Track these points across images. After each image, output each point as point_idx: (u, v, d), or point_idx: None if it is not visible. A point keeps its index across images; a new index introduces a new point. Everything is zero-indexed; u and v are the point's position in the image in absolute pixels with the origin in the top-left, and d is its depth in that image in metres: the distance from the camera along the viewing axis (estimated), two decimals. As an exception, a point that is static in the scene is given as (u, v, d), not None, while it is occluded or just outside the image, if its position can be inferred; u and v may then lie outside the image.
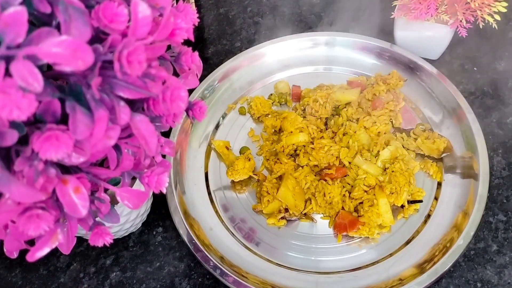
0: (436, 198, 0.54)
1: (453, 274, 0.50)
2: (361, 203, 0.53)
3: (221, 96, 0.65)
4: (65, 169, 0.28)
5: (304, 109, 0.61)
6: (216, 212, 0.55)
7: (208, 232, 0.53)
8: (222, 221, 0.54)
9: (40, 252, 0.29)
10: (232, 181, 0.58)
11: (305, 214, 0.54)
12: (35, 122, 0.24)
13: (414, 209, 0.53)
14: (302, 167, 0.56)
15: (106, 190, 0.32)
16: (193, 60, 0.34)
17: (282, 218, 0.54)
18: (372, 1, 0.76)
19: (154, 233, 0.54)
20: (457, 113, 0.58)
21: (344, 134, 0.57)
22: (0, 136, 0.22)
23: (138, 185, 0.44)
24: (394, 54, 0.65)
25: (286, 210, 0.54)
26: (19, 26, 0.21)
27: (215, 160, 0.60)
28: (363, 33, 0.67)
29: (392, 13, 0.62)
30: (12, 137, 0.23)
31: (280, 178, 0.56)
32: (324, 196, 0.53)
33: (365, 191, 0.53)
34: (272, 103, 0.64)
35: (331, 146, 0.56)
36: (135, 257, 0.53)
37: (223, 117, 0.64)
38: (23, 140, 0.24)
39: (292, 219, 0.54)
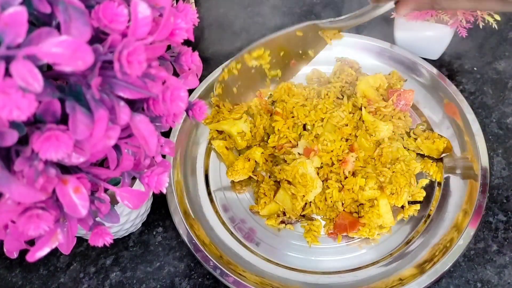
0: (436, 198, 0.54)
1: (453, 274, 0.50)
2: (362, 204, 0.53)
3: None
4: (65, 169, 0.28)
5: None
6: (216, 212, 0.55)
7: (208, 232, 0.53)
8: (222, 221, 0.54)
9: (40, 252, 0.29)
10: (232, 181, 0.58)
11: (303, 215, 0.54)
12: (35, 122, 0.24)
13: (414, 209, 0.53)
14: None
15: (106, 190, 0.32)
16: (193, 60, 0.35)
17: (282, 222, 0.54)
18: (372, 1, 0.76)
19: (154, 233, 0.54)
20: (457, 113, 0.58)
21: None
22: (0, 136, 0.22)
23: (138, 185, 0.44)
24: (394, 54, 0.65)
25: (284, 213, 0.54)
26: (19, 26, 0.21)
27: (215, 160, 0.60)
28: (363, 33, 0.67)
29: (392, 13, 0.62)
30: (12, 137, 0.23)
31: (278, 181, 0.56)
32: (326, 200, 0.53)
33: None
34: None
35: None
36: (135, 257, 0.53)
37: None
38: (23, 140, 0.24)
39: (291, 222, 0.54)
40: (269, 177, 0.57)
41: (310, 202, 0.54)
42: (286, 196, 0.53)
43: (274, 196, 0.54)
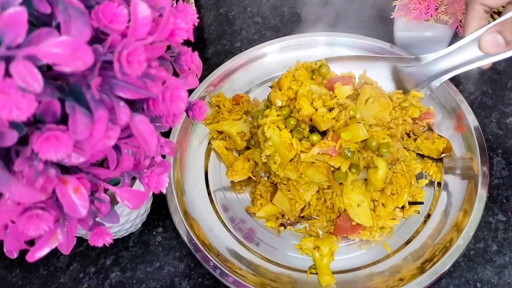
0: (436, 198, 0.54)
1: (453, 274, 0.50)
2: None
3: (221, 96, 0.65)
4: (65, 169, 0.28)
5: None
6: (216, 212, 0.55)
7: (208, 232, 0.53)
8: (222, 221, 0.54)
9: (40, 252, 0.29)
10: (232, 181, 0.58)
11: (302, 216, 0.54)
12: (35, 122, 0.24)
13: (415, 210, 0.53)
14: None
15: (106, 190, 0.32)
16: (193, 60, 0.34)
17: (281, 225, 0.54)
18: (372, 2, 0.76)
19: (154, 233, 0.54)
20: (457, 113, 0.58)
21: None
22: (0, 136, 0.22)
23: (138, 185, 0.44)
24: (394, 54, 0.65)
25: (283, 215, 0.54)
26: (19, 26, 0.21)
27: (215, 160, 0.60)
28: (363, 33, 0.67)
29: (392, 13, 0.62)
30: (12, 137, 0.23)
31: (275, 183, 0.56)
32: (325, 202, 0.53)
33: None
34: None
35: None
36: (135, 257, 0.53)
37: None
38: (23, 140, 0.24)
39: (290, 223, 0.54)
40: (268, 177, 0.57)
41: (309, 203, 0.54)
42: (284, 198, 0.53)
43: (271, 198, 0.53)
